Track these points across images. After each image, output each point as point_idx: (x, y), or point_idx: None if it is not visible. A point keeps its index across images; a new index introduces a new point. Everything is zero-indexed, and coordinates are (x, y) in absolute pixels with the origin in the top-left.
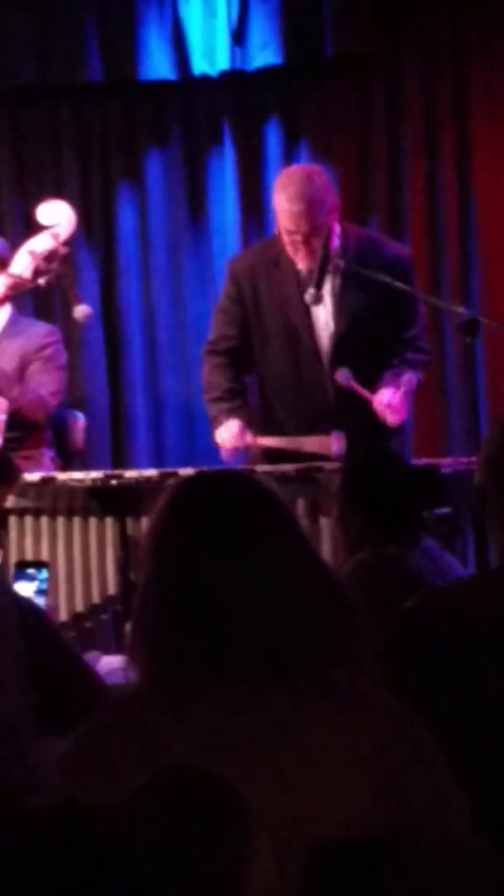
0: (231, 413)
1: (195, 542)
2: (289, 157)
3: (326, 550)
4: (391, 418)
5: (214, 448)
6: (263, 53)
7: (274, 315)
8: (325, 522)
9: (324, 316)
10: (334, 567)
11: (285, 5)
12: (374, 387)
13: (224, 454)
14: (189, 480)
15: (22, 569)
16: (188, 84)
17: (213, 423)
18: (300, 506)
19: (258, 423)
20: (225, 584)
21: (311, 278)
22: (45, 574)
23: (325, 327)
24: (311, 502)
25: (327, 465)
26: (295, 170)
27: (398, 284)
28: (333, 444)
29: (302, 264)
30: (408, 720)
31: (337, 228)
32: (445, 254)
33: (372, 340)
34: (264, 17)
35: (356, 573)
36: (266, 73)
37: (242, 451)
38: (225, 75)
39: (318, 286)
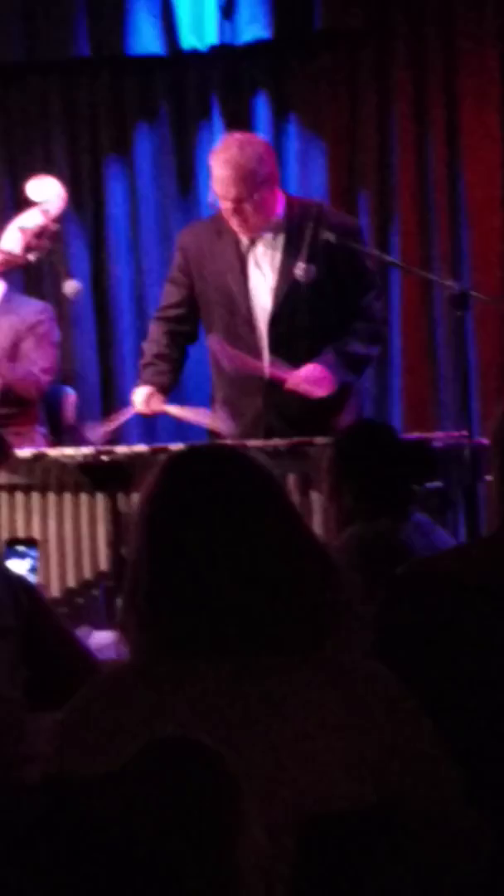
0: (150, 379)
1: (186, 517)
2: (278, 132)
3: (318, 525)
4: (315, 392)
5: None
6: (252, 27)
7: (215, 284)
8: (316, 497)
9: (264, 285)
10: (326, 541)
11: None
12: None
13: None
14: (179, 455)
15: (12, 546)
16: (177, 58)
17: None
18: (291, 480)
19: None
20: (216, 559)
21: (301, 254)
22: (35, 552)
23: (264, 297)
24: (302, 477)
25: (318, 440)
26: (229, 137)
27: (353, 246)
28: (220, 423)
29: (240, 231)
30: (399, 692)
31: (281, 197)
32: (435, 227)
33: (311, 311)
34: None
35: (348, 547)
36: (255, 47)
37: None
38: (214, 49)
39: (308, 260)
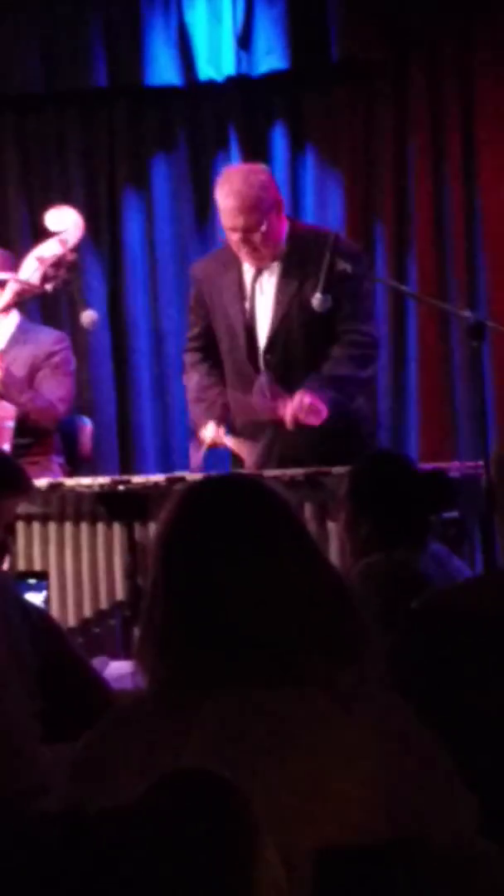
0: (208, 413)
1: (204, 547)
2: (295, 162)
3: (334, 554)
4: (310, 420)
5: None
6: (269, 58)
7: (220, 316)
8: (332, 526)
9: (264, 315)
10: (342, 571)
11: (291, 10)
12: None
13: (194, 459)
14: (198, 485)
15: (24, 579)
16: (194, 89)
17: (195, 424)
18: (308, 510)
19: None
20: (234, 588)
21: (319, 283)
22: (46, 585)
23: (263, 328)
24: (318, 506)
25: (335, 470)
26: (232, 168)
27: (343, 265)
28: (244, 451)
29: (250, 262)
30: (416, 724)
31: (285, 225)
32: (452, 258)
33: (308, 339)
34: (270, 22)
35: (365, 577)
36: (272, 77)
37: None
38: (231, 80)
39: (325, 290)
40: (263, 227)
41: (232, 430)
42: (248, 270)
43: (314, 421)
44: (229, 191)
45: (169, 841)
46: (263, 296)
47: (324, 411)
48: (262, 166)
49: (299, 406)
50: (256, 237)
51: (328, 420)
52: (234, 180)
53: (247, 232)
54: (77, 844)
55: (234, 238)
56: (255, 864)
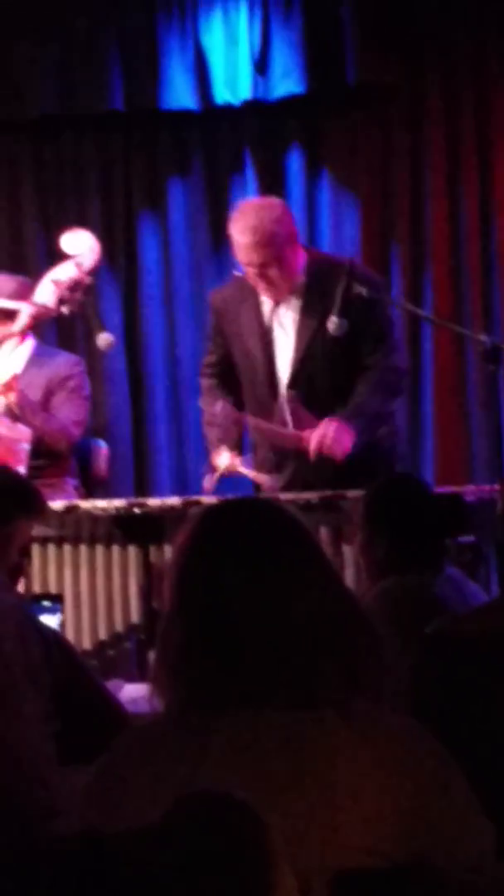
0: (221, 439)
1: (221, 569)
2: (311, 186)
3: (350, 578)
4: (336, 450)
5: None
6: (285, 82)
7: (240, 348)
8: (348, 550)
9: (288, 347)
10: (358, 595)
11: (307, 34)
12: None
13: (207, 485)
14: (214, 508)
15: (39, 602)
16: (210, 113)
17: (209, 447)
18: (323, 534)
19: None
20: (251, 611)
21: (334, 308)
22: (61, 607)
23: (285, 360)
24: (334, 530)
25: (350, 494)
26: (245, 203)
27: (362, 291)
28: (265, 478)
29: (268, 295)
30: (432, 748)
31: (302, 257)
32: (467, 282)
33: (331, 371)
34: (286, 46)
35: (380, 601)
36: (288, 101)
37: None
38: (247, 104)
39: (341, 314)
40: (280, 260)
41: (253, 461)
42: (265, 303)
43: (338, 453)
44: (244, 226)
45: (186, 864)
46: (283, 329)
47: (348, 445)
48: (276, 200)
49: (324, 436)
50: (272, 272)
51: (351, 455)
52: (248, 215)
53: (262, 267)
54: (93, 867)
55: (250, 273)
56: (273, 889)
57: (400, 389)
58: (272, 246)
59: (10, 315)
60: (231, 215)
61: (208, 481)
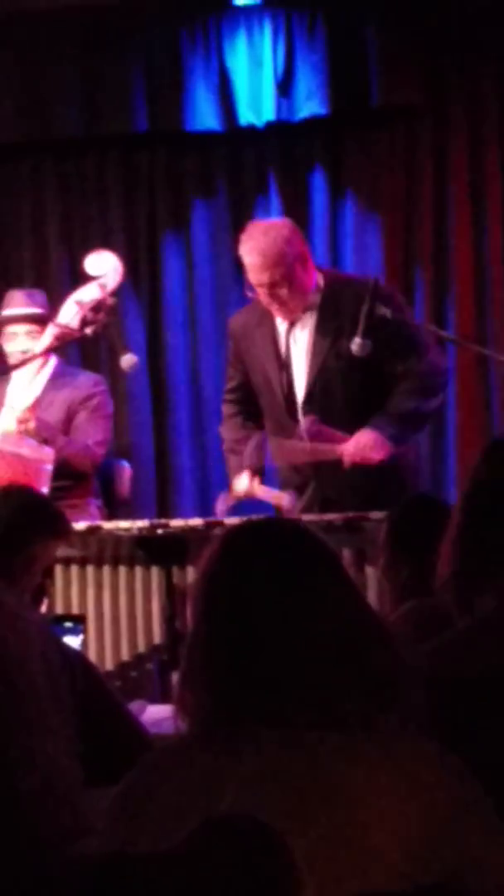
0: (242, 464)
1: (246, 590)
2: (335, 208)
3: (373, 600)
4: (372, 457)
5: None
6: (309, 104)
7: (257, 370)
8: (371, 572)
9: (300, 368)
10: (382, 616)
11: (331, 56)
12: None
13: (220, 508)
14: (239, 529)
15: (60, 623)
16: (234, 134)
17: (229, 473)
18: (346, 555)
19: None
20: (275, 632)
21: (359, 328)
22: (82, 629)
23: (300, 380)
24: (357, 552)
25: (373, 515)
26: (253, 224)
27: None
28: (283, 499)
29: (280, 315)
30: (457, 768)
31: (314, 276)
32: (491, 302)
33: (346, 389)
34: (310, 68)
35: (404, 623)
36: (312, 123)
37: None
38: (271, 126)
39: (364, 335)
40: (290, 280)
41: (279, 481)
42: (281, 323)
43: (377, 456)
44: (252, 247)
45: (209, 888)
46: (298, 348)
47: (385, 449)
48: (284, 220)
49: (360, 444)
50: (283, 292)
51: (393, 456)
52: (256, 237)
53: (272, 287)
54: (117, 888)
55: (261, 293)
56: None
57: (439, 387)
58: (281, 266)
59: (42, 323)
60: (240, 238)
61: (221, 502)
